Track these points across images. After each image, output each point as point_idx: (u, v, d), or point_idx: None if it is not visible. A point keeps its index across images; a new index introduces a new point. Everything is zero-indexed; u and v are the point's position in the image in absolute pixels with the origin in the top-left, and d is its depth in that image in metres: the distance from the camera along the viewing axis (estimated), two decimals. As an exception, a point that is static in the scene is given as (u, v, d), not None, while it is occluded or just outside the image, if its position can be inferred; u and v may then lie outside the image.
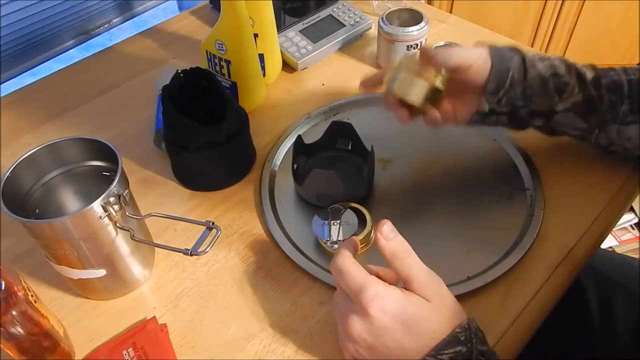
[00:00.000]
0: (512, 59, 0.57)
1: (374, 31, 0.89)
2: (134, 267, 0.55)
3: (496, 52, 0.57)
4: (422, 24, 0.78)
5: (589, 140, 0.61)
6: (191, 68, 0.64)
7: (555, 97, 0.58)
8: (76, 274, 0.51)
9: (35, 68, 1.04)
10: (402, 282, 0.45)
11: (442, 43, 0.80)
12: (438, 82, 0.57)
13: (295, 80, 0.82)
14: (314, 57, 0.83)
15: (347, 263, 0.45)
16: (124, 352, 0.50)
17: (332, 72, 0.83)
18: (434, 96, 0.57)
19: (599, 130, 0.59)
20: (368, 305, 0.42)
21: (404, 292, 0.43)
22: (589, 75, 0.58)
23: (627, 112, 0.57)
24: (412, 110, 0.59)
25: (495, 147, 0.69)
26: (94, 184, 0.54)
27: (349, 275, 0.44)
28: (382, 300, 0.42)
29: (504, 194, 0.64)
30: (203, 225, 0.52)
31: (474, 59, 0.57)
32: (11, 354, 0.45)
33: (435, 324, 0.43)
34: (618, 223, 0.96)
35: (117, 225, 0.49)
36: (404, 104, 0.59)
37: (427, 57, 0.57)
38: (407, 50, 0.79)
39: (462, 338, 0.42)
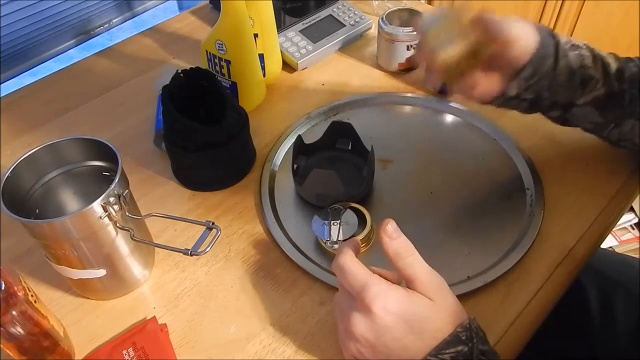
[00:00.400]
0: (550, 45, 0.54)
1: (374, 31, 0.89)
2: (134, 267, 0.55)
3: (543, 37, 0.54)
4: (422, 24, 0.78)
5: (601, 134, 0.61)
6: (191, 68, 0.64)
7: (579, 90, 0.56)
8: (76, 274, 0.51)
9: (35, 68, 1.04)
10: (404, 283, 0.45)
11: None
12: (478, 44, 0.52)
13: (295, 80, 0.82)
14: (314, 57, 0.83)
15: (350, 262, 0.45)
16: (124, 352, 0.50)
17: (332, 72, 0.83)
18: (464, 63, 0.54)
19: (615, 125, 0.58)
20: (371, 302, 0.42)
21: (407, 291, 0.43)
22: (613, 66, 0.56)
23: None
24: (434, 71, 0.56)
25: (495, 147, 0.69)
26: (94, 184, 0.54)
27: (351, 274, 0.44)
28: (386, 299, 0.42)
29: (504, 194, 0.64)
30: (203, 225, 0.52)
31: (524, 35, 0.53)
32: (11, 354, 0.45)
33: (438, 323, 0.43)
34: (618, 223, 0.96)
35: (117, 225, 0.49)
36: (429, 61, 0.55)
37: (480, 25, 0.52)
38: (407, 50, 0.79)
39: (463, 338, 0.42)
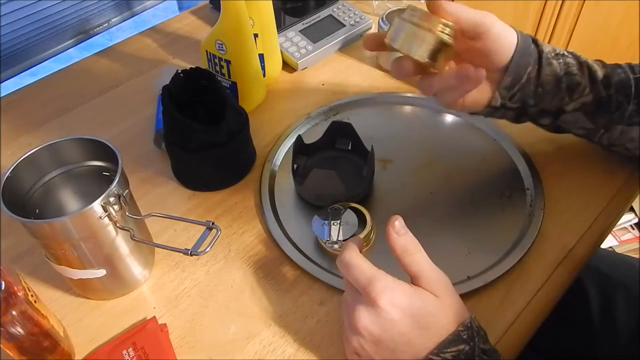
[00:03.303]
0: (531, 54, 0.54)
1: (374, 31, 0.89)
2: (134, 267, 0.55)
3: (522, 38, 0.53)
4: (422, 24, 0.78)
5: (593, 140, 0.61)
6: (191, 68, 0.64)
7: (566, 97, 0.56)
8: (76, 274, 0.51)
9: (35, 68, 1.04)
10: (409, 280, 0.45)
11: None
12: (446, 36, 0.50)
13: (295, 80, 0.82)
14: (314, 57, 0.83)
15: (355, 257, 0.45)
16: (124, 352, 0.50)
17: (332, 72, 0.83)
18: (441, 52, 0.51)
19: (605, 131, 0.59)
20: (377, 297, 0.42)
21: (412, 287, 0.44)
22: (600, 73, 0.56)
23: (634, 112, 0.56)
24: (417, 68, 0.53)
25: (495, 147, 0.69)
26: (94, 184, 0.54)
27: (358, 269, 0.44)
28: (392, 293, 0.42)
29: (504, 194, 0.64)
30: (203, 225, 0.52)
31: (494, 23, 0.52)
32: (11, 354, 0.45)
33: (443, 319, 0.43)
34: (618, 223, 0.96)
35: (117, 225, 0.49)
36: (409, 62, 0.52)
37: (437, 9, 0.51)
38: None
39: (464, 336, 0.42)
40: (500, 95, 0.56)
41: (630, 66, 0.58)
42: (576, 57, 0.57)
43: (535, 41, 0.56)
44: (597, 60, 0.59)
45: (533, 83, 0.55)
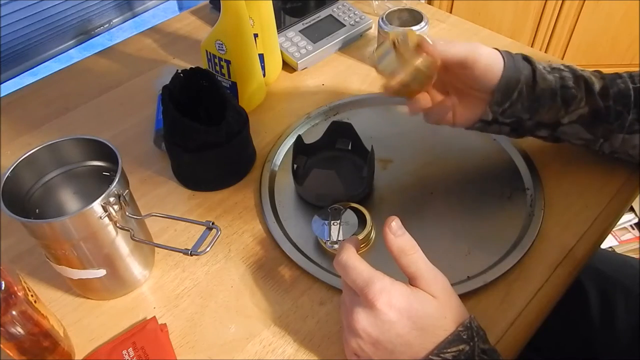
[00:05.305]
0: (523, 71, 0.56)
1: (374, 31, 0.89)
2: (134, 267, 0.55)
3: (509, 60, 0.56)
4: (422, 24, 0.78)
5: (593, 149, 0.62)
6: (191, 68, 0.64)
7: (562, 110, 0.57)
8: (76, 274, 0.51)
9: (35, 68, 1.04)
10: (407, 281, 0.45)
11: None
12: (422, 66, 0.54)
13: (295, 80, 0.82)
14: (314, 57, 0.83)
15: (352, 258, 0.45)
16: (124, 352, 0.50)
17: (332, 72, 0.83)
18: (419, 80, 0.55)
19: (604, 140, 0.59)
20: (375, 298, 0.42)
21: (410, 288, 0.44)
22: (597, 85, 0.57)
23: (634, 121, 0.57)
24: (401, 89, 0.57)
25: (495, 147, 0.69)
26: (94, 184, 0.54)
27: (355, 270, 0.44)
28: (389, 294, 0.42)
29: (504, 194, 0.64)
30: (203, 225, 0.52)
31: (481, 55, 0.54)
32: (11, 354, 0.45)
33: (441, 320, 0.43)
34: (618, 223, 0.96)
35: (117, 225, 0.49)
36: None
37: (424, 49, 0.54)
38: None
39: (464, 336, 0.42)
40: (491, 110, 0.58)
41: (631, 75, 0.58)
42: (573, 71, 0.58)
43: (527, 59, 0.57)
44: (595, 71, 0.59)
45: (527, 98, 0.56)
